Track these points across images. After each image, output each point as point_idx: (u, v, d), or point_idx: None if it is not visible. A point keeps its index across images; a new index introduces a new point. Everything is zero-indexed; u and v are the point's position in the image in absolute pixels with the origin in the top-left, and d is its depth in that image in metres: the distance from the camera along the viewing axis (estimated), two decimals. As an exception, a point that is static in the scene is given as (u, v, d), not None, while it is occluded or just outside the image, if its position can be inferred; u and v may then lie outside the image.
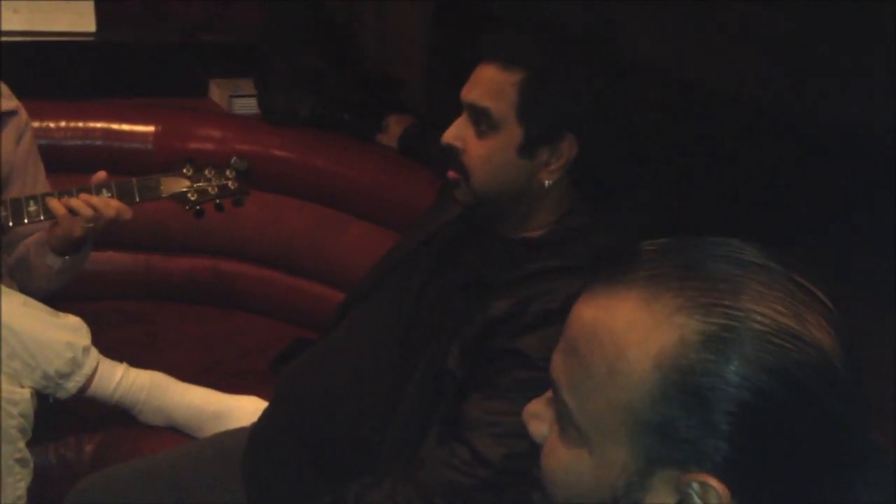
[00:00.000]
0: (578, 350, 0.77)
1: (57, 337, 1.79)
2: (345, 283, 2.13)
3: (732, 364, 0.70)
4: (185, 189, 1.93)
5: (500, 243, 1.44)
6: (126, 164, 2.16)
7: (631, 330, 0.74)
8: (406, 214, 2.15)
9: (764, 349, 0.70)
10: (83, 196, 1.82)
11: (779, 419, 0.70)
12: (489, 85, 1.37)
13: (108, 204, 1.82)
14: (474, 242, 1.50)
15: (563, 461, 0.79)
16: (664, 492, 0.73)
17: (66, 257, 1.90)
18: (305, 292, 2.38)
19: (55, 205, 1.81)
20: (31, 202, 1.86)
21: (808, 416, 0.70)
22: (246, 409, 1.84)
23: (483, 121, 1.37)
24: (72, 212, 1.81)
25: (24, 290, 1.90)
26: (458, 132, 1.40)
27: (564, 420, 0.78)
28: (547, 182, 1.39)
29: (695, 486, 0.71)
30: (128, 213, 1.85)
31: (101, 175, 1.86)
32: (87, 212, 1.80)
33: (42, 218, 1.87)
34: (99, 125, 2.40)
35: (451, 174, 1.42)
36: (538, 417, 0.83)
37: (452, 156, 1.41)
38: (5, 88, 2.04)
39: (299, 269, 2.39)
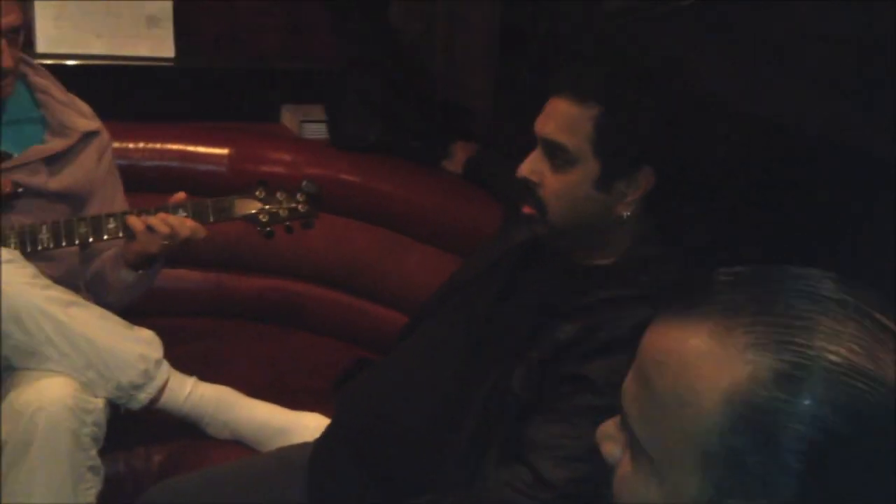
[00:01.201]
0: (649, 379, 0.78)
1: (131, 349, 1.85)
2: (406, 306, 2.17)
3: (803, 402, 0.70)
4: (256, 211, 1.99)
5: (570, 269, 1.46)
6: (200, 186, 2.21)
7: (702, 362, 0.74)
8: (468, 240, 2.19)
9: (835, 389, 0.70)
10: (161, 215, 1.89)
11: (849, 458, 0.70)
12: (564, 119, 1.37)
13: (184, 223, 1.89)
14: (542, 267, 1.52)
15: (634, 487, 0.80)
16: None
17: (140, 272, 1.97)
18: (368, 314, 2.42)
19: (134, 221, 1.89)
20: (111, 219, 1.94)
21: (879, 456, 0.70)
22: (309, 425, 1.88)
23: (559, 155, 1.38)
24: (149, 229, 1.88)
25: (100, 303, 1.97)
26: (533, 166, 1.41)
27: (636, 447, 0.80)
28: (624, 214, 1.39)
29: None
30: (202, 232, 1.92)
31: (181, 196, 1.94)
32: (164, 230, 1.87)
33: (120, 235, 1.95)
34: (175, 147, 2.48)
35: (526, 209, 1.43)
36: (611, 439, 0.84)
37: (528, 189, 1.42)
38: (88, 110, 2.13)
39: (363, 291, 2.44)
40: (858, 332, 0.72)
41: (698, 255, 1.51)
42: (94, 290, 2.06)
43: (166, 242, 1.89)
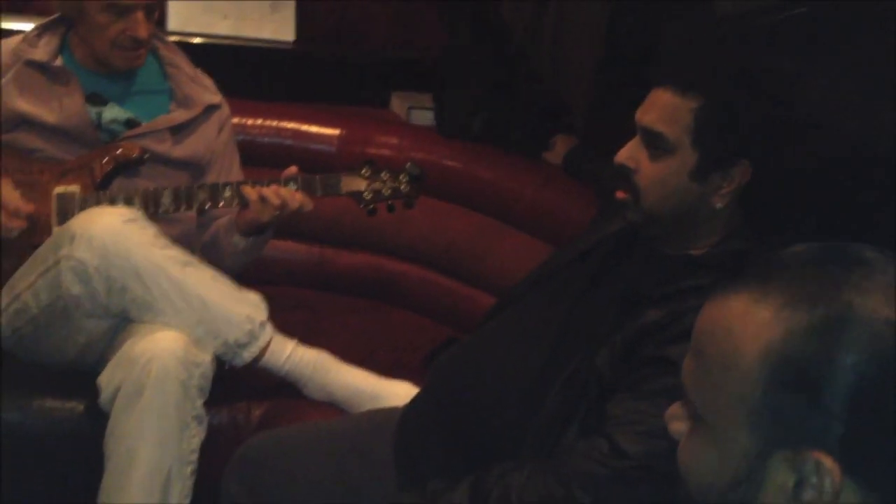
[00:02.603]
0: (700, 350, 0.85)
1: (239, 310, 1.94)
2: (499, 290, 2.21)
3: (838, 354, 0.75)
4: (362, 188, 2.08)
5: (660, 258, 1.49)
6: (311, 163, 2.29)
7: (742, 324, 0.80)
8: (564, 230, 2.23)
9: (869, 339, 0.75)
10: (273, 186, 2.01)
11: (882, 401, 0.75)
12: (665, 110, 1.40)
13: (294, 196, 2.01)
14: (633, 257, 1.55)
15: (693, 452, 0.87)
16: (783, 472, 0.79)
17: (250, 239, 2.09)
18: (462, 295, 2.48)
19: (249, 191, 2.01)
20: (227, 188, 2.07)
21: None
22: (399, 393, 1.93)
23: (657, 144, 1.40)
24: (262, 199, 2.00)
25: (216, 267, 2.07)
26: (631, 153, 1.44)
27: (695, 417, 0.86)
28: (718, 205, 1.42)
29: (809, 464, 0.77)
30: (309, 204, 2.02)
31: (293, 170, 2.05)
32: (276, 201, 1.99)
33: (235, 203, 2.08)
34: (290, 126, 2.59)
35: (620, 194, 1.46)
36: (677, 418, 0.91)
37: (624, 175, 1.45)
38: (211, 84, 2.25)
39: (457, 273, 2.51)
40: (886, 287, 0.77)
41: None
42: (209, 254, 2.17)
43: (276, 213, 2.00)
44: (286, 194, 2.01)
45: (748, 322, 0.80)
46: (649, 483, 1.33)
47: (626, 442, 1.35)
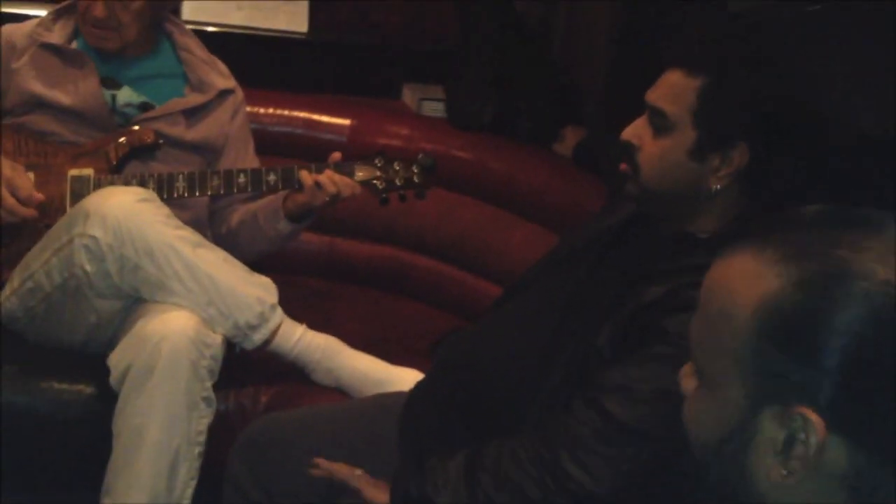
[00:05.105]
0: (703, 307, 0.87)
1: (250, 292, 1.95)
2: (507, 280, 2.20)
3: (831, 309, 0.76)
4: (374, 178, 2.10)
5: (661, 239, 1.50)
6: (321, 153, 2.28)
7: (739, 279, 0.82)
8: (573, 220, 2.23)
9: (861, 296, 0.76)
10: (328, 172, 2.04)
11: (873, 359, 0.76)
12: (671, 88, 1.42)
13: (348, 183, 2.04)
14: (636, 243, 1.56)
15: (694, 407, 0.89)
16: (773, 427, 0.80)
17: (295, 224, 2.12)
18: (471, 286, 2.49)
19: (305, 176, 2.04)
20: (241, 174, 2.08)
21: None
22: (406, 378, 1.94)
23: (660, 122, 1.42)
24: (318, 185, 2.02)
25: (240, 253, 2.11)
26: (636, 131, 1.47)
27: (698, 374, 0.88)
28: (714, 187, 1.42)
29: (797, 420, 0.78)
30: (358, 189, 2.06)
31: (337, 156, 2.09)
32: (332, 188, 2.02)
33: (249, 189, 2.09)
34: (302, 115, 2.61)
35: (623, 167, 1.49)
36: (687, 375, 0.92)
37: (628, 152, 1.48)
38: (225, 69, 2.27)
39: (467, 264, 2.52)
40: (883, 245, 0.77)
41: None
42: (238, 239, 2.20)
43: (328, 199, 2.03)
44: (340, 181, 2.03)
45: (745, 277, 0.82)
46: (635, 447, 1.34)
47: (613, 405, 1.36)
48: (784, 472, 0.79)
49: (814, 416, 0.77)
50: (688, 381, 0.92)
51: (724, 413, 0.83)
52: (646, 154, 1.46)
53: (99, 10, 2.08)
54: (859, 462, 0.77)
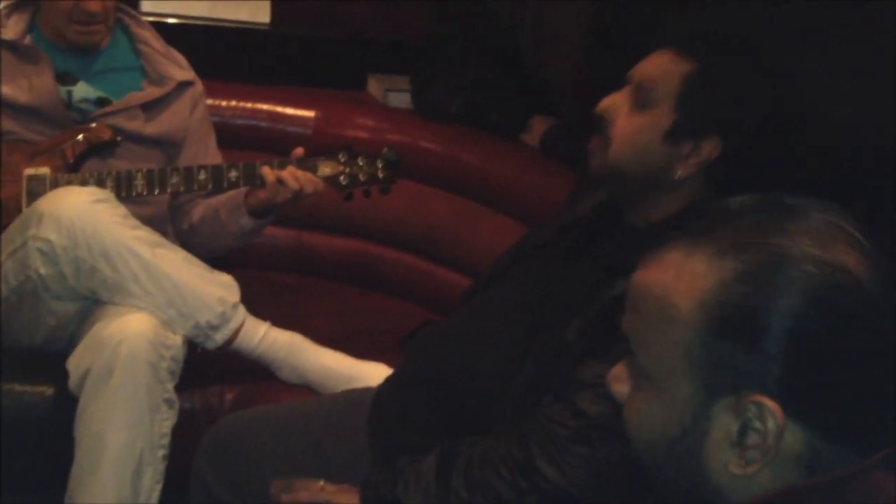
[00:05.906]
0: (638, 306, 0.87)
1: (211, 291, 1.93)
2: (478, 272, 2.20)
3: (770, 296, 0.77)
4: (338, 173, 2.07)
5: (630, 231, 1.49)
6: (286, 146, 2.26)
7: (677, 278, 0.82)
8: (543, 211, 2.20)
9: (798, 280, 0.77)
10: (290, 169, 2.01)
11: (817, 339, 0.77)
12: (657, 67, 1.41)
13: (311, 180, 2.01)
14: (606, 234, 1.55)
15: (638, 408, 0.88)
16: (726, 418, 0.79)
17: (259, 220, 2.09)
18: (440, 279, 2.47)
19: (267, 172, 2.00)
20: (202, 171, 2.05)
21: (845, 335, 0.77)
22: (374, 374, 1.92)
23: (641, 97, 1.41)
24: (280, 182, 1.99)
25: (204, 248, 2.09)
26: (613, 103, 1.44)
27: (637, 372, 0.87)
28: (679, 173, 1.41)
29: (752, 407, 0.78)
30: (321, 186, 2.03)
31: (300, 151, 2.06)
32: (294, 184, 1.99)
33: (210, 187, 2.05)
34: (265, 107, 2.57)
35: (592, 144, 1.47)
36: (618, 379, 0.92)
37: (601, 124, 1.45)
38: (184, 61, 2.23)
39: (436, 257, 2.49)
40: (811, 229, 0.79)
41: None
42: (200, 235, 2.18)
43: (290, 196, 2.00)
44: (303, 178, 2.00)
45: (682, 275, 0.82)
46: (609, 444, 1.33)
47: (585, 403, 1.35)
48: (743, 463, 0.79)
49: (770, 403, 0.77)
50: (620, 385, 0.91)
51: (674, 411, 0.83)
52: (619, 128, 1.43)
53: (95, 4, 2.05)
54: (815, 442, 0.78)
